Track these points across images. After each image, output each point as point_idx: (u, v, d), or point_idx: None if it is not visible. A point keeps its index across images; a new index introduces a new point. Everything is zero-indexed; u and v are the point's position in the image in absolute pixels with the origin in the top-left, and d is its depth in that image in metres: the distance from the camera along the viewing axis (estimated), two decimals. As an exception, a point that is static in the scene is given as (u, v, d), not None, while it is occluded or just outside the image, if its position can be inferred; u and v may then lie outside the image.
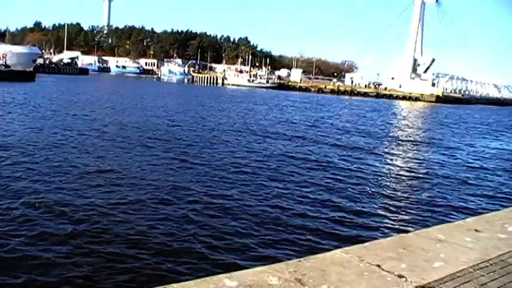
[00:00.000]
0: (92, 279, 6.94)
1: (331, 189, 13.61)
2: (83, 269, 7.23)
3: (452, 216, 11.09)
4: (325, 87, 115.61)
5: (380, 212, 11.65)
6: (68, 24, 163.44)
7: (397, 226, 10.43)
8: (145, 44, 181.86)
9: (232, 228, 9.49)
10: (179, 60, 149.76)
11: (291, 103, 61.82)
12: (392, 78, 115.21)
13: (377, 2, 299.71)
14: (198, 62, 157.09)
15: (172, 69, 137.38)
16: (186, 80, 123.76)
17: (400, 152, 23.24)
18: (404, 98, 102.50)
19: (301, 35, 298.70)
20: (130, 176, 13.54)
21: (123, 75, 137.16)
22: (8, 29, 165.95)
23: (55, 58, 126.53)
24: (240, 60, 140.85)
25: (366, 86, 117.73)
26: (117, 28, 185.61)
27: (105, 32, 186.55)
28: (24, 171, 13.13)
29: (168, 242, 8.55)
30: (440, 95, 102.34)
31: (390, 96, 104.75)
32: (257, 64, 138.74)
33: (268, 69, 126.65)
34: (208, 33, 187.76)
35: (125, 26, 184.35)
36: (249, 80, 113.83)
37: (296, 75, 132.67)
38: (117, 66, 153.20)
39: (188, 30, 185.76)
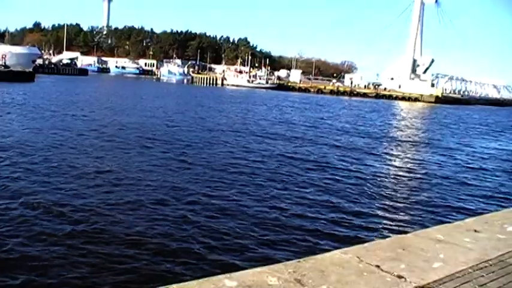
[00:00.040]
0: (91, 280, 6.94)
1: (330, 189, 13.61)
2: (82, 270, 7.22)
3: (452, 217, 11.08)
4: (325, 88, 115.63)
5: (379, 212, 11.65)
6: (67, 25, 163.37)
7: (396, 227, 10.43)
8: (144, 44, 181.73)
9: (231, 229, 9.48)
10: (178, 61, 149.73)
11: (291, 104, 61.84)
12: (392, 79, 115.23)
13: (376, 3, 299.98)
14: (198, 63, 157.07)
15: (171, 70, 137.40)
16: (185, 81, 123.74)
17: (399, 153, 23.26)
18: (403, 98, 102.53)
19: (301, 36, 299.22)
20: (129, 176, 13.53)
21: (123, 75, 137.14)
22: (8, 29, 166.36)
23: (54, 59, 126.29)
24: (239, 60, 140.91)
25: (365, 86, 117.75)
26: (116, 29, 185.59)
27: (105, 32, 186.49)
28: (23, 172, 13.12)
29: (166, 242, 8.55)
30: (440, 95, 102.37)
31: (390, 97, 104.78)
32: (256, 65, 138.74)
33: (267, 70, 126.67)
34: (207, 34, 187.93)
35: (125, 27, 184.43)
36: (248, 81, 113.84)
37: (295, 76, 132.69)
38: (116, 66, 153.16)
39: (187, 30, 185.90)
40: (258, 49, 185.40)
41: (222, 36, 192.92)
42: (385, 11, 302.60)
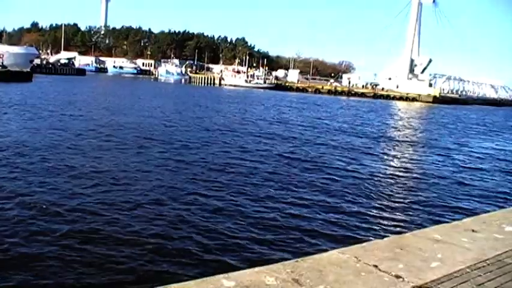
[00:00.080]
0: (87, 280, 6.92)
1: (328, 189, 13.62)
2: (78, 270, 7.21)
3: (449, 217, 11.10)
4: (323, 88, 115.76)
5: (377, 212, 11.65)
6: (65, 25, 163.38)
7: (394, 226, 10.44)
8: (142, 44, 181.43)
9: (229, 229, 9.48)
10: (176, 61, 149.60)
11: (288, 103, 61.86)
12: (390, 79, 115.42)
13: (374, 3, 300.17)
14: (195, 63, 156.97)
15: (169, 70, 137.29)
16: (183, 81, 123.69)
17: (397, 153, 23.28)
18: (401, 98, 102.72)
19: (299, 36, 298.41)
20: (126, 176, 13.51)
21: (121, 75, 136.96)
22: (5, 29, 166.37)
23: (52, 58, 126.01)
24: (237, 60, 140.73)
25: (363, 86, 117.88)
26: (114, 28, 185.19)
27: (103, 32, 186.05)
28: (20, 172, 13.09)
29: (164, 242, 8.54)
30: (438, 95, 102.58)
31: (387, 97, 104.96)
32: (254, 64, 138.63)
33: (265, 70, 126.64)
34: (205, 34, 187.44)
35: (122, 27, 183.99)
36: (246, 81, 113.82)
37: (293, 76, 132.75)
38: (114, 66, 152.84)
39: (185, 30, 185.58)
40: (255, 49, 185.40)
41: (219, 36, 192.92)
42: (383, 11, 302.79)
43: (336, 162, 18.48)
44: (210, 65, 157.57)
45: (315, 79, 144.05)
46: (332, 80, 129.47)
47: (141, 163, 15.63)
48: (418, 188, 14.96)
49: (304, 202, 11.96)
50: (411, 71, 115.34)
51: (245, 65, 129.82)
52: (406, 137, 31.03)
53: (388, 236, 6.04)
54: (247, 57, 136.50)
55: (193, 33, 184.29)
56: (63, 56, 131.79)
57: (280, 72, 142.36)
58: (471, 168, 19.50)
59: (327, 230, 9.83)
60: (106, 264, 7.45)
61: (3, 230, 8.59)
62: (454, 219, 7.10)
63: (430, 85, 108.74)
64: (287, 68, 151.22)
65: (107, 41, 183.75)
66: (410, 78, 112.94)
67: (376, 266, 3.87)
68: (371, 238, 8.47)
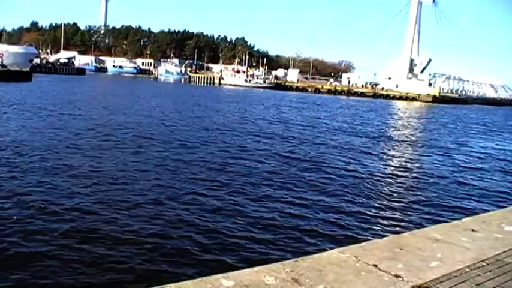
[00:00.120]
0: (86, 279, 6.91)
1: (327, 189, 13.61)
2: (77, 269, 7.19)
3: (449, 216, 11.09)
4: (322, 87, 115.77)
5: (376, 212, 11.65)
6: (64, 24, 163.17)
7: (393, 226, 10.43)
8: (142, 43, 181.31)
9: (228, 229, 9.47)
10: (176, 60, 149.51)
11: (288, 103, 61.85)
12: (389, 78, 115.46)
13: (374, 3, 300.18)
14: (195, 62, 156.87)
15: (169, 69, 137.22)
16: (183, 80, 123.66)
17: (397, 152, 23.28)
18: (401, 98, 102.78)
19: (298, 35, 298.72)
20: (125, 176, 13.50)
21: (120, 75, 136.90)
22: (5, 28, 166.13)
23: (52, 58, 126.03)
24: (237, 60, 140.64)
25: (362, 86, 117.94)
26: (114, 28, 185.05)
27: (102, 31, 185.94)
28: (18, 171, 13.07)
29: (163, 242, 8.53)
30: (437, 95, 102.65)
31: (387, 96, 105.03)
32: (254, 64, 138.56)
33: (265, 69, 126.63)
34: (205, 33, 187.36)
35: (122, 26, 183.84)
36: (246, 80, 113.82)
37: (293, 75, 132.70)
38: (114, 66, 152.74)
39: (185, 30, 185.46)
40: (255, 48, 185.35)
41: (219, 35, 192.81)
42: (384, 11, 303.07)
43: (335, 161, 18.48)
44: (210, 65, 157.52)
45: (314, 79, 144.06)
46: (332, 80, 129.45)
47: (140, 162, 15.62)
48: (418, 187, 14.95)
49: (304, 202, 11.95)
50: (411, 70, 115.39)
51: (245, 65, 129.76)
52: (406, 137, 31.02)
53: (387, 236, 6.03)
54: (247, 57, 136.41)
55: (193, 32, 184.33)
56: (63, 55, 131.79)
57: (279, 72, 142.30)
58: (471, 168, 19.50)
59: (326, 230, 9.82)
60: (104, 264, 7.44)
61: (2, 230, 8.58)
62: (453, 219, 7.10)
63: (430, 85, 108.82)
64: (287, 68, 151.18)
65: (107, 41, 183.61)
66: (410, 78, 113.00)
67: (375, 266, 3.87)
68: (370, 238, 8.46)
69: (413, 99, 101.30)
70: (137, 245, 8.26)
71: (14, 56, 75.72)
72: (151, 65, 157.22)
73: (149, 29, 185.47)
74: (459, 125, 45.76)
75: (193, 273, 6.69)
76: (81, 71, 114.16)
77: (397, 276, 3.70)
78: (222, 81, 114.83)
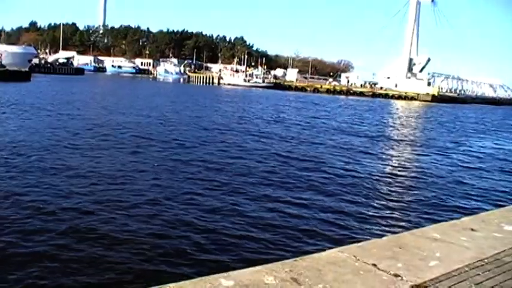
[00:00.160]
0: (84, 279, 6.89)
1: (326, 189, 13.59)
2: (75, 269, 7.17)
3: (448, 216, 11.09)
4: (321, 87, 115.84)
5: (375, 211, 11.64)
6: (63, 24, 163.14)
7: (392, 225, 10.43)
8: (141, 43, 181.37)
9: (227, 229, 9.45)
10: (175, 60, 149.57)
11: (287, 103, 61.86)
12: (388, 78, 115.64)
13: (373, 3, 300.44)
14: (194, 62, 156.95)
15: (168, 69, 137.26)
16: (181, 80, 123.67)
17: (395, 152, 23.28)
18: (400, 97, 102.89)
19: (297, 35, 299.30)
20: (124, 176, 13.48)
21: (119, 75, 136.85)
22: (3, 28, 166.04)
23: (50, 58, 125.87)
24: (235, 59, 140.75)
25: (361, 85, 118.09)
26: (112, 28, 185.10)
27: (101, 31, 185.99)
28: (16, 171, 13.04)
29: (161, 242, 8.51)
30: (436, 94, 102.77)
31: (386, 96, 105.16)
32: (253, 64, 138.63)
33: (264, 69, 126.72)
34: (204, 33, 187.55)
35: (121, 26, 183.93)
36: (244, 80, 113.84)
37: (292, 75, 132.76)
38: (112, 66, 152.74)
39: (184, 30, 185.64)
40: (254, 48, 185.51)
41: (218, 35, 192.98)
42: (382, 11, 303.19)
43: (334, 161, 18.47)
44: (209, 64, 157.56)
45: (313, 78, 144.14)
46: (331, 79, 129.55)
47: (139, 162, 15.60)
48: (417, 187, 14.95)
49: (303, 201, 11.94)
50: (410, 70, 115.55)
51: (244, 64, 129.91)
52: (405, 136, 31.03)
53: (386, 235, 6.03)
54: (246, 57, 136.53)
55: (192, 32, 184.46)
56: (62, 55, 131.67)
57: (279, 72, 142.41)
58: (470, 167, 19.50)
59: (325, 229, 9.81)
60: (103, 264, 7.42)
61: (0, 230, 8.56)
62: (452, 218, 7.09)
63: (429, 84, 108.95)
64: (286, 67, 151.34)
65: (106, 41, 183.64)
66: (409, 77, 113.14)
67: (375, 265, 3.87)
68: (369, 237, 8.46)
69: (412, 98, 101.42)
70: (136, 245, 8.24)
71: (12, 56, 75.73)
72: (150, 65, 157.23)
73: (148, 28, 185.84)
74: (458, 124, 45.79)
75: (192, 273, 6.67)
76: (80, 71, 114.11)
77: (396, 275, 3.69)
78: (221, 81, 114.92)
